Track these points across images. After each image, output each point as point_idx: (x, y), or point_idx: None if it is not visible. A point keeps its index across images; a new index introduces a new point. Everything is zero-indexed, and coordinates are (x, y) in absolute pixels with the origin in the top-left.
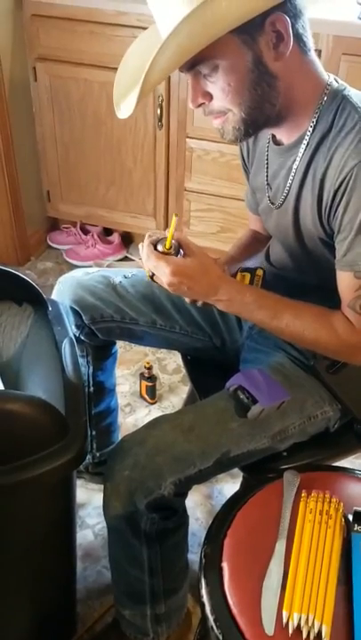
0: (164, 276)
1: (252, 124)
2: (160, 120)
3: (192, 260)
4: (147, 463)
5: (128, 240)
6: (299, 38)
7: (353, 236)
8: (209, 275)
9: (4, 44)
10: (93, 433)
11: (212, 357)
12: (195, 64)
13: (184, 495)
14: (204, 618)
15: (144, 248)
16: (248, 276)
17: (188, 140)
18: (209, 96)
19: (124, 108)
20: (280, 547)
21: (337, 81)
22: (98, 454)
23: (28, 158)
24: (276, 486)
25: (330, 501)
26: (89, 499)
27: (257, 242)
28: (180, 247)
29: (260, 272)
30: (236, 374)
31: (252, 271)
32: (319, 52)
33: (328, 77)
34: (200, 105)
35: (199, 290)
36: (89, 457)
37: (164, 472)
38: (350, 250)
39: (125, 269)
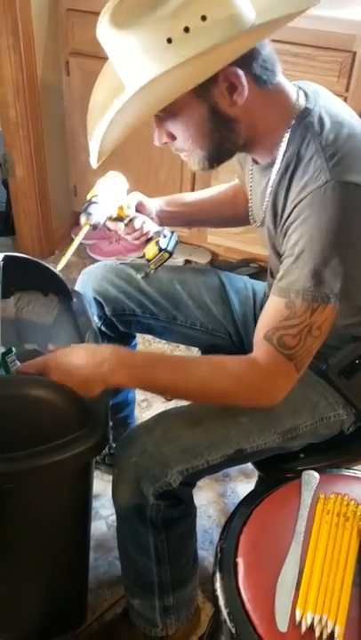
0: (49, 374)
1: (216, 160)
2: None
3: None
4: (154, 451)
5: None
6: (257, 78)
7: (291, 262)
8: (78, 351)
9: (39, 37)
10: (110, 424)
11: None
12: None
13: (192, 486)
14: (217, 611)
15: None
16: (156, 250)
17: None
18: (173, 136)
19: (92, 153)
20: (296, 546)
21: (306, 95)
22: (114, 445)
23: (57, 152)
24: (294, 486)
25: (348, 504)
26: (104, 490)
27: (225, 203)
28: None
29: (165, 255)
30: None
31: (161, 250)
32: (353, 54)
33: (296, 96)
34: (164, 143)
35: (85, 367)
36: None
37: (171, 461)
38: (285, 276)
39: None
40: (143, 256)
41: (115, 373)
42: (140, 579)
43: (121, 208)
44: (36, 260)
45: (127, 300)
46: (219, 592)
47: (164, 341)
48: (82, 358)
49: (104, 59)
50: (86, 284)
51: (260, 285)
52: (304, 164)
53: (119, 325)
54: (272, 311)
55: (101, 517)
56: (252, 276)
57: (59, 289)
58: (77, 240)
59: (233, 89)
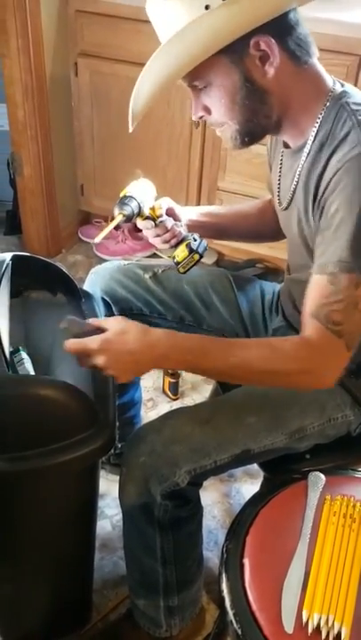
0: (95, 358)
1: (248, 135)
2: None
3: (108, 330)
4: (162, 451)
5: None
6: (291, 53)
7: (330, 233)
8: (130, 335)
9: (48, 38)
10: (117, 424)
11: None
12: (192, 80)
13: (199, 485)
14: (222, 612)
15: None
16: (187, 252)
17: None
18: (208, 110)
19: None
20: (302, 547)
21: (343, 85)
22: (119, 445)
23: (65, 152)
24: (300, 487)
25: (354, 505)
26: (108, 489)
27: (252, 217)
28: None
29: (196, 257)
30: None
31: (191, 251)
32: (360, 58)
33: (332, 83)
34: (201, 117)
35: (136, 353)
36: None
37: (179, 461)
38: (325, 251)
39: (157, 265)
40: (173, 258)
41: (166, 359)
42: (146, 579)
43: (153, 209)
44: (45, 259)
45: (135, 300)
46: (225, 593)
47: None
48: (134, 342)
49: (112, 60)
50: (94, 283)
51: (268, 286)
52: (339, 141)
53: None
54: (316, 288)
55: (106, 517)
56: (258, 276)
57: (67, 288)
58: (111, 225)
59: (265, 58)
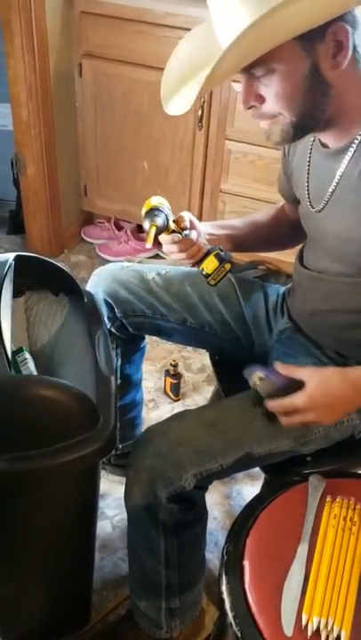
0: (305, 415)
1: (301, 129)
2: (200, 121)
3: (308, 384)
4: (168, 453)
5: None
6: (355, 49)
7: None
8: (330, 381)
9: (53, 38)
10: (118, 425)
11: (240, 358)
12: (251, 67)
13: (204, 489)
14: (222, 614)
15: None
16: (216, 262)
17: (226, 141)
18: (261, 99)
19: (176, 105)
20: (302, 550)
21: None
22: (120, 446)
23: (68, 152)
24: (301, 490)
25: (354, 508)
26: (109, 490)
27: (267, 225)
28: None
29: (227, 266)
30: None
31: (222, 261)
32: None
33: None
34: (251, 107)
35: (344, 398)
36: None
37: (185, 464)
38: None
39: (160, 266)
40: (201, 271)
41: None
42: (148, 580)
43: (177, 221)
44: (48, 259)
45: (137, 302)
46: (225, 595)
47: (171, 343)
48: (338, 387)
49: (116, 61)
50: (97, 285)
51: (272, 288)
52: None
53: (129, 327)
54: None
55: (107, 518)
56: (260, 278)
57: (70, 289)
58: (150, 239)
59: (338, 50)
